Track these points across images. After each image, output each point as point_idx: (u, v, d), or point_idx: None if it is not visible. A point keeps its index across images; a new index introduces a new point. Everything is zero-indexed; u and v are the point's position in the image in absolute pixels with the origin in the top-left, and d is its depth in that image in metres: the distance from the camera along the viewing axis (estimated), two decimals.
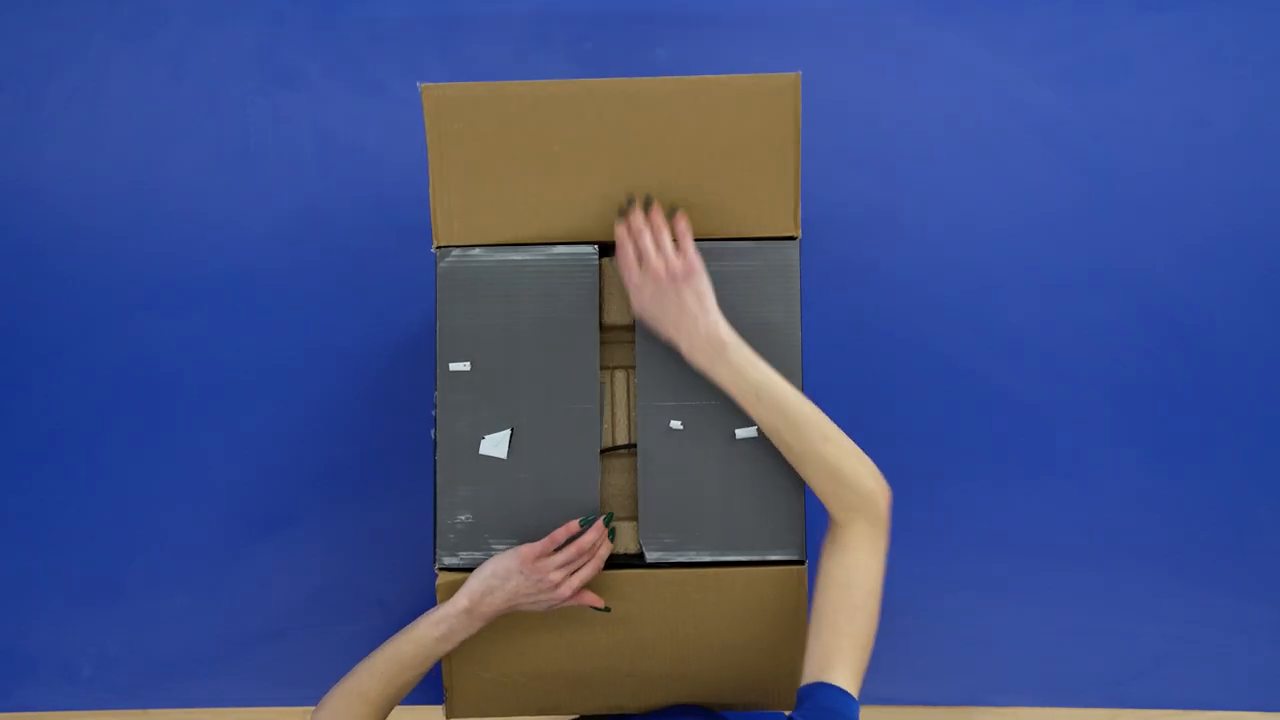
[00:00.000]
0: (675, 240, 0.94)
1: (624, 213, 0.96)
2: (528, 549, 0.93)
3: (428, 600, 0.99)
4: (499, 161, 0.99)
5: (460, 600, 0.92)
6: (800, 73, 0.97)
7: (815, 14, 1.24)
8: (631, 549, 1.02)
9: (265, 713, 1.23)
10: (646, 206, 0.96)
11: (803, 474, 0.93)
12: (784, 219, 1.00)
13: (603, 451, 1.02)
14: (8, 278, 1.25)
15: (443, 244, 1.01)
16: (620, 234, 0.96)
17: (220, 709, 1.23)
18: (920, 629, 1.21)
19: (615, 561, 1.02)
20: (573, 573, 0.93)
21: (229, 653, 1.23)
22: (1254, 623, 1.21)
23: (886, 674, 1.21)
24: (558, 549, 0.94)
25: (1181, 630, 1.21)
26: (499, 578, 0.92)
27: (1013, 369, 1.21)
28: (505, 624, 0.98)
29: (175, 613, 1.23)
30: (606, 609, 0.97)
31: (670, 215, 0.96)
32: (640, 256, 0.94)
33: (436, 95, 0.98)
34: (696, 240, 1.03)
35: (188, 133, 1.25)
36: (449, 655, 0.99)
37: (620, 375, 1.03)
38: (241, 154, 1.25)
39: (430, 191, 1.00)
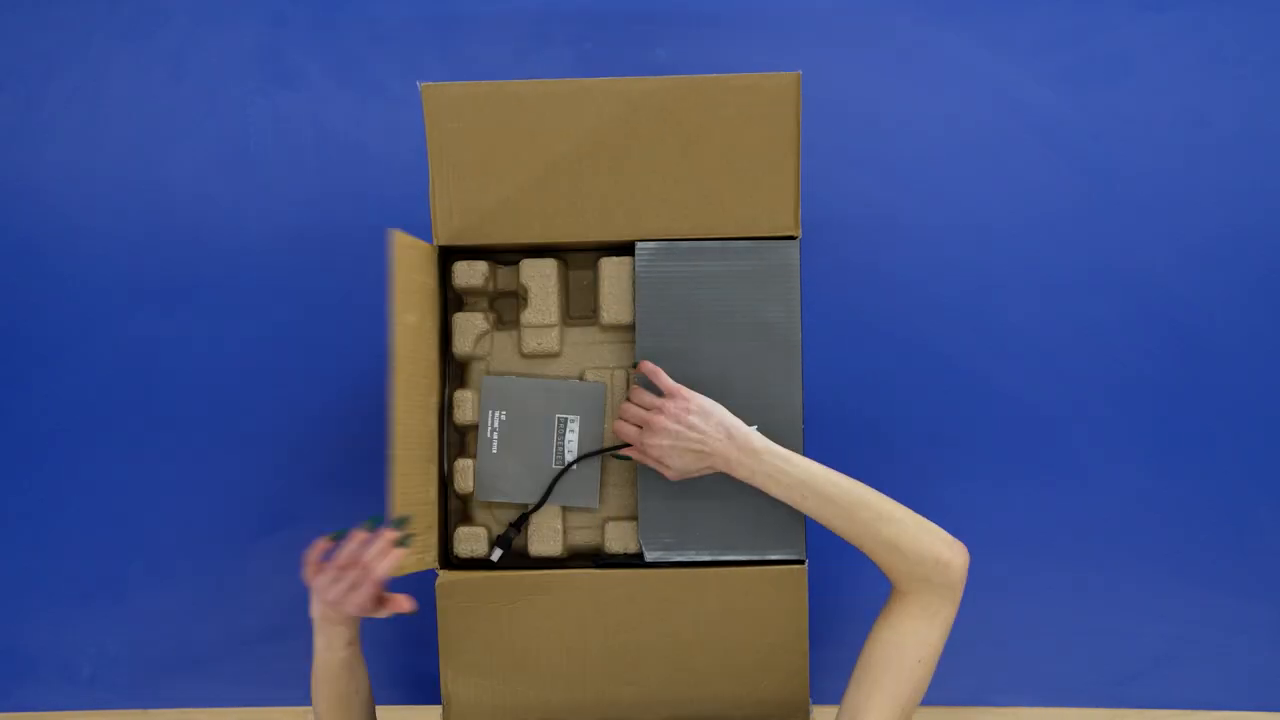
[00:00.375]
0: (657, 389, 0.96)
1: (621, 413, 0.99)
2: (309, 564, 0.88)
3: (427, 600, 0.99)
4: (499, 161, 0.99)
5: (312, 612, 0.91)
6: (800, 72, 0.97)
7: (815, 14, 1.24)
8: (631, 548, 1.02)
9: (265, 713, 1.23)
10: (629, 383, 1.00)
11: (864, 551, 0.91)
12: (784, 219, 1.00)
13: (604, 451, 1.02)
14: (8, 278, 1.25)
15: (443, 244, 1.01)
16: (618, 428, 0.98)
17: (220, 709, 1.23)
18: None
19: (616, 561, 1.02)
20: (351, 588, 0.86)
21: (229, 653, 1.23)
22: (1254, 623, 1.21)
23: None
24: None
25: (1181, 630, 1.21)
26: (315, 589, 0.89)
27: (1013, 369, 1.21)
28: (501, 628, 0.98)
29: (175, 613, 1.23)
30: (413, 612, 0.90)
31: (633, 367, 0.99)
32: (641, 425, 0.95)
33: (436, 95, 0.98)
34: (696, 240, 1.03)
35: (188, 133, 1.25)
36: (445, 663, 0.98)
37: (621, 375, 1.03)
38: (241, 154, 1.25)
39: (430, 191, 1.00)
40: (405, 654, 1.22)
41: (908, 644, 0.87)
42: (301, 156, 1.24)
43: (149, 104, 1.25)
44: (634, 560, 1.01)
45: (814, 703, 1.00)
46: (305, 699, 1.21)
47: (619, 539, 1.02)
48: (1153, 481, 1.21)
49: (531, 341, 1.03)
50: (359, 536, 0.88)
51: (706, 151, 0.98)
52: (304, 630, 1.17)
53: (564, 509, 1.03)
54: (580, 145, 0.99)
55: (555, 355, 1.05)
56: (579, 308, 1.07)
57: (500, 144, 0.99)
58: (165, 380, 1.23)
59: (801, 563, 0.99)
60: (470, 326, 1.04)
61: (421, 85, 0.98)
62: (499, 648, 0.99)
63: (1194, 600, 1.21)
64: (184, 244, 1.24)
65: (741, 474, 0.92)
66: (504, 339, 1.05)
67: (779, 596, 0.98)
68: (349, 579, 0.86)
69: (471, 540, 1.02)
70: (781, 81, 0.97)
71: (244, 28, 1.26)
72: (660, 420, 0.93)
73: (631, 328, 1.02)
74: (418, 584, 1.22)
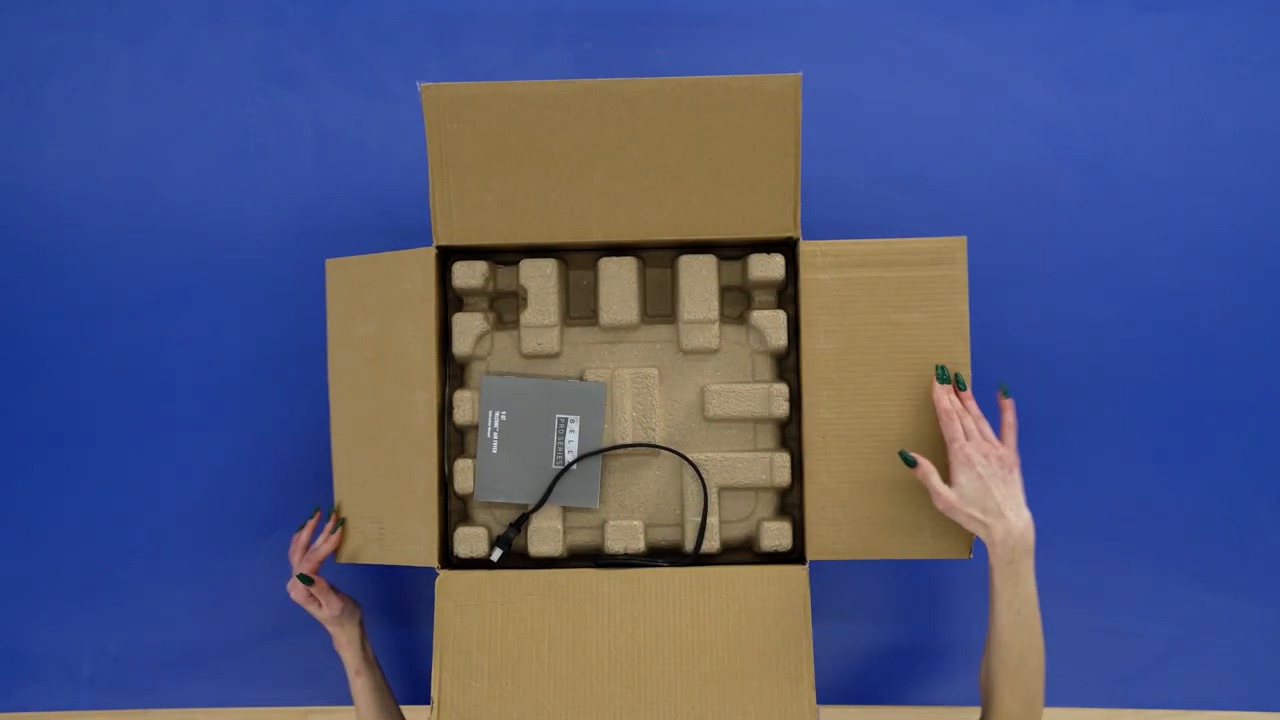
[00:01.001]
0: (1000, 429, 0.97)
1: (942, 379, 0.99)
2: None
3: (427, 598, 0.99)
4: (499, 161, 0.99)
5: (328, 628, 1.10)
6: (801, 74, 0.97)
7: (815, 14, 1.24)
8: (632, 548, 1.02)
9: (265, 713, 1.23)
10: (960, 385, 0.99)
11: (999, 687, 0.94)
12: (784, 219, 1.00)
13: (604, 451, 1.02)
14: (8, 278, 1.25)
15: (443, 244, 1.01)
16: (945, 405, 0.96)
17: (220, 709, 1.23)
18: (920, 628, 1.21)
19: (616, 562, 1.02)
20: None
21: (229, 653, 1.23)
22: (1254, 623, 1.21)
23: (887, 674, 1.21)
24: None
25: (1181, 630, 1.21)
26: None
27: (1013, 369, 1.21)
28: (496, 628, 0.98)
29: (175, 613, 1.23)
30: (309, 580, 1.05)
31: (998, 397, 0.99)
32: (967, 434, 0.95)
33: (436, 95, 0.98)
34: (698, 243, 1.03)
35: (188, 133, 1.25)
36: (436, 664, 0.98)
37: (625, 375, 1.03)
38: (241, 154, 1.25)
39: (430, 191, 1.00)
40: (405, 654, 1.22)
41: None
42: (301, 156, 1.24)
43: (149, 104, 1.25)
44: (634, 560, 1.01)
45: (819, 703, 1.00)
46: (306, 699, 1.22)
47: (619, 539, 1.02)
48: (1152, 481, 1.21)
49: (531, 342, 1.03)
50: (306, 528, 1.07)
51: (707, 152, 0.98)
52: (304, 630, 1.18)
53: (564, 509, 1.03)
54: (580, 146, 0.99)
55: (555, 355, 1.04)
56: (579, 308, 1.07)
57: (500, 145, 0.99)
58: (165, 380, 1.23)
59: (802, 563, 0.99)
60: (470, 327, 1.03)
61: (421, 86, 0.98)
62: (496, 647, 0.99)
63: (1194, 600, 1.21)
64: (184, 244, 1.24)
65: (1002, 554, 0.91)
66: (504, 339, 1.05)
67: (780, 596, 0.98)
68: (294, 568, 1.06)
69: (472, 540, 1.02)
70: (782, 83, 0.97)
71: (244, 28, 1.26)
72: (990, 453, 0.93)
73: (631, 328, 1.02)
74: (418, 583, 1.22)
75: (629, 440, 1.02)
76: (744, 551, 1.06)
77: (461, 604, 0.98)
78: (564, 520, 1.03)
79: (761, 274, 1.02)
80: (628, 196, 0.99)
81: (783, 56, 1.24)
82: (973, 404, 0.98)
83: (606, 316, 1.03)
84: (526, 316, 1.03)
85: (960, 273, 1.00)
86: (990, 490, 0.91)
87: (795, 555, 1.04)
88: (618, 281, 1.03)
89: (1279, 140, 1.22)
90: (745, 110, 0.98)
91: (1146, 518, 1.21)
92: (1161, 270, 1.22)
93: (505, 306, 1.07)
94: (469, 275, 1.03)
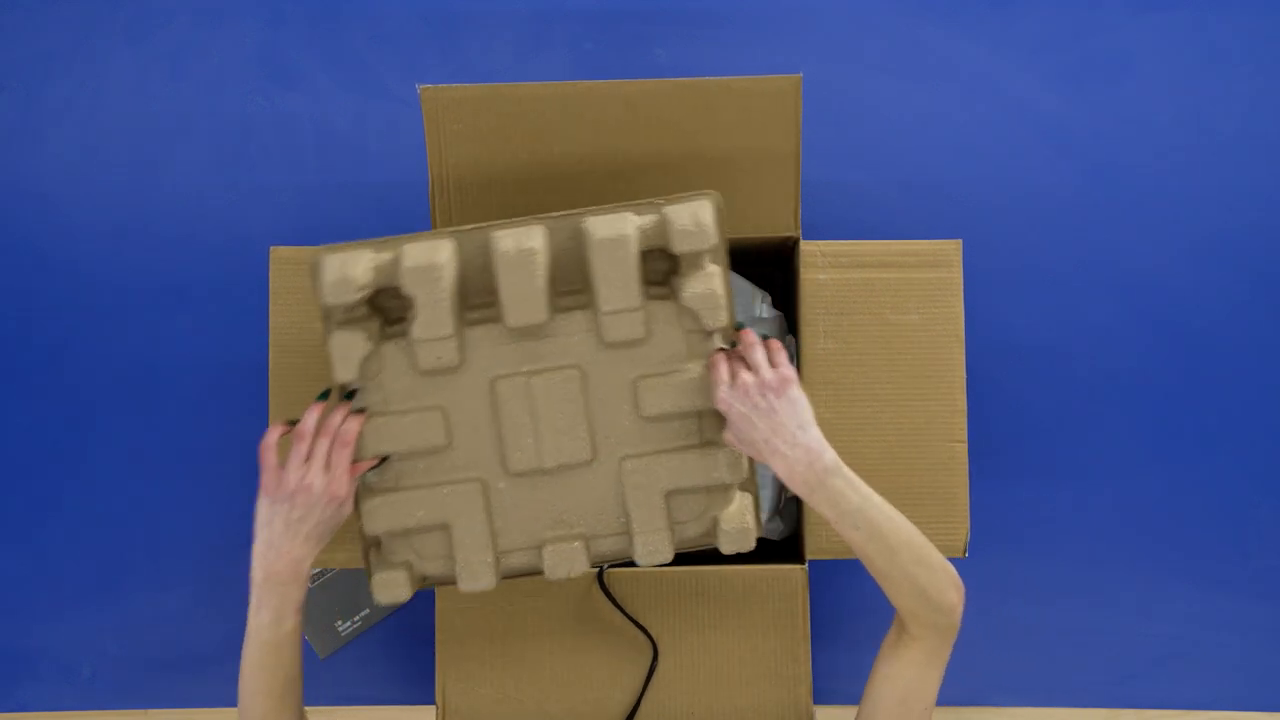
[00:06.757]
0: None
1: (724, 346, 0.89)
2: (263, 480, 0.82)
3: (427, 596, 0.99)
4: (499, 163, 0.99)
5: (255, 574, 0.82)
6: (801, 75, 0.97)
7: (815, 14, 1.24)
8: (576, 572, 0.92)
9: None
10: (739, 327, 0.88)
11: (885, 590, 0.85)
12: (784, 219, 1.00)
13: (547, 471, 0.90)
14: (8, 277, 1.25)
15: None
16: (714, 358, 0.87)
17: (220, 709, 1.23)
18: None
19: (616, 562, 1.02)
20: (326, 465, 0.82)
21: (229, 653, 1.22)
22: (1254, 623, 1.21)
23: None
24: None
25: (1181, 630, 1.21)
26: (265, 527, 0.82)
27: (1014, 369, 1.21)
28: (498, 631, 0.98)
29: (175, 613, 1.23)
30: (382, 459, 0.87)
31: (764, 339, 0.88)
32: (732, 375, 0.85)
33: (435, 96, 0.98)
34: None
35: (188, 133, 1.25)
36: (441, 670, 0.98)
37: (540, 384, 0.89)
38: (241, 154, 1.25)
39: (430, 193, 1.00)
40: (405, 654, 1.22)
41: (914, 694, 0.85)
42: (301, 156, 1.24)
43: (149, 104, 1.25)
44: (633, 560, 1.01)
45: (816, 703, 1.00)
46: (305, 698, 1.21)
47: (560, 565, 0.92)
48: (1152, 481, 1.21)
49: (428, 357, 0.87)
50: (315, 409, 0.84)
51: (707, 153, 0.98)
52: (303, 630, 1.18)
53: (493, 533, 0.91)
54: (580, 147, 0.98)
55: (456, 369, 0.88)
56: (479, 290, 0.89)
57: (500, 146, 0.99)
58: (165, 380, 1.23)
59: (803, 563, 0.99)
60: (351, 350, 0.86)
61: (420, 88, 0.98)
62: (498, 649, 0.99)
63: (1194, 600, 1.21)
64: (184, 244, 1.24)
65: (797, 486, 0.83)
66: (395, 352, 0.88)
67: (779, 597, 0.98)
68: (321, 454, 0.82)
69: (391, 587, 0.89)
70: (782, 84, 0.97)
71: (243, 27, 1.26)
72: (748, 384, 0.83)
73: (540, 328, 0.88)
74: None
75: (562, 454, 0.89)
76: (707, 546, 0.94)
77: (462, 605, 0.98)
78: (495, 547, 0.90)
79: (687, 245, 0.86)
80: (628, 197, 0.99)
81: (783, 56, 1.24)
82: (745, 338, 0.86)
83: (512, 318, 0.87)
84: (417, 330, 0.86)
85: (956, 275, 1.00)
86: (756, 427, 0.83)
87: (795, 555, 1.04)
88: (520, 272, 0.86)
89: (1279, 140, 1.22)
90: (745, 111, 0.98)
91: (1147, 518, 1.21)
92: (1161, 270, 1.22)
93: (389, 300, 0.89)
94: (341, 289, 0.84)
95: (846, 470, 0.83)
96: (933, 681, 0.86)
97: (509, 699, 0.98)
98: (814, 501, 0.84)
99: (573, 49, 1.24)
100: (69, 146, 1.25)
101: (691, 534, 0.91)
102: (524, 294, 0.86)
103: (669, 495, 0.90)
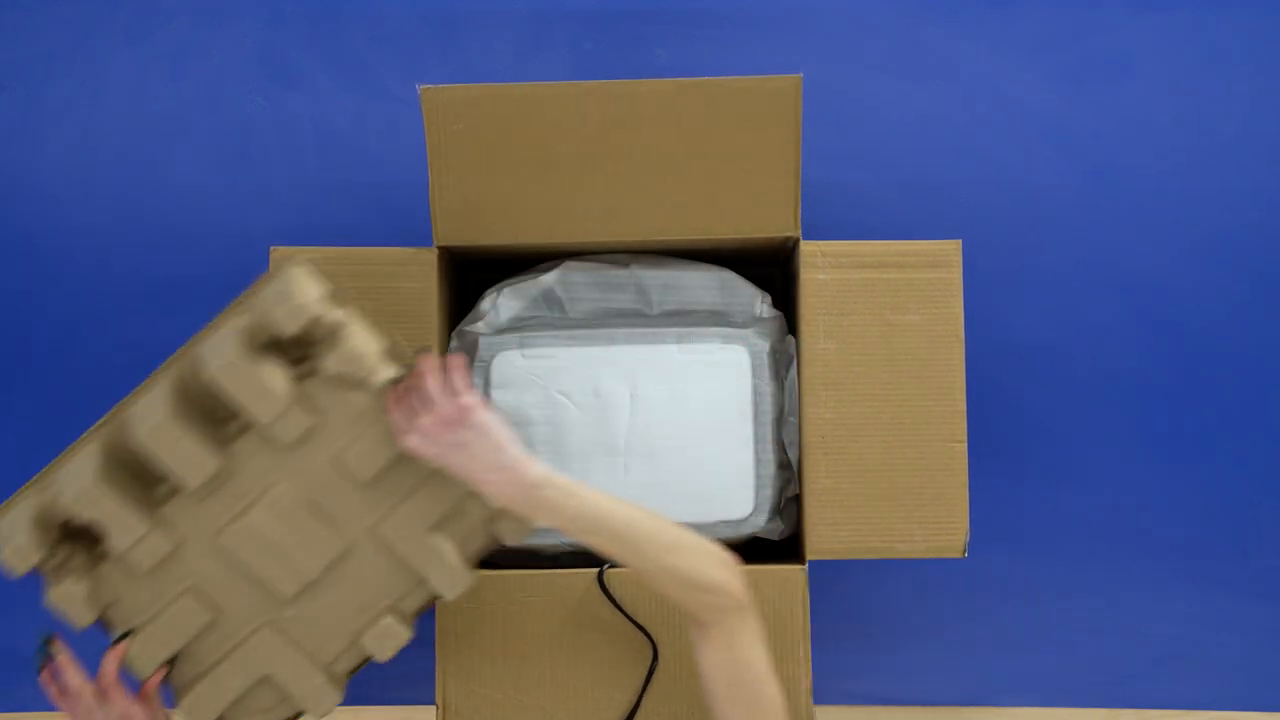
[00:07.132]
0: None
1: (396, 378, 0.85)
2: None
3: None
4: (499, 162, 0.99)
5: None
6: (801, 75, 0.97)
7: (815, 14, 1.24)
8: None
9: None
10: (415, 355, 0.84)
11: (653, 588, 0.85)
12: (784, 219, 1.00)
13: None
14: (8, 277, 1.25)
15: (443, 244, 1.01)
16: (388, 405, 0.85)
17: None
18: (920, 628, 1.21)
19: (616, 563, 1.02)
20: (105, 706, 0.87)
21: None
22: (1254, 623, 1.21)
23: (887, 673, 1.21)
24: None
25: (1181, 630, 1.21)
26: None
27: (1014, 369, 1.21)
28: (498, 631, 0.98)
29: None
30: (169, 662, 0.90)
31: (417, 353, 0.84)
32: (409, 416, 0.83)
33: (435, 97, 0.98)
34: (699, 243, 1.03)
35: (188, 133, 1.25)
36: (441, 670, 0.98)
37: (256, 514, 0.87)
38: (241, 154, 1.25)
39: (430, 193, 1.00)
40: (405, 654, 1.22)
41: (741, 676, 0.83)
42: (301, 156, 1.24)
43: (149, 104, 1.25)
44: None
45: (815, 703, 1.00)
46: None
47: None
48: (1152, 481, 1.21)
49: (143, 559, 0.88)
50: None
51: (706, 153, 0.98)
52: None
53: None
54: (580, 147, 0.99)
55: (176, 549, 0.88)
56: (151, 469, 0.87)
57: (500, 146, 0.99)
58: None
59: (802, 564, 0.99)
60: (73, 597, 0.90)
61: (420, 88, 0.98)
62: (498, 649, 0.99)
63: (1194, 600, 1.21)
64: (184, 244, 1.24)
65: (517, 507, 0.83)
66: (113, 570, 0.90)
67: (779, 597, 0.98)
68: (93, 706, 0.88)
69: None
70: (782, 84, 0.97)
71: (244, 28, 1.25)
72: (425, 423, 0.81)
73: (222, 471, 0.86)
74: None
75: (321, 558, 0.89)
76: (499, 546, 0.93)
77: (462, 606, 0.98)
78: (319, 665, 0.91)
79: (295, 324, 0.84)
80: (628, 197, 0.99)
81: (783, 56, 1.24)
82: (419, 367, 0.83)
83: (189, 481, 0.86)
84: (116, 543, 0.86)
85: (955, 276, 1.00)
86: (452, 461, 0.82)
87: (795, 555, 1.04)
88: (164, 440, 0.85)
89: (1279, 140, 1.22)
90: (745, 110, 0.98)
91: (1147, 518, 1.21)
92: (1161, 270, 1.22)
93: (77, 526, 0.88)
94: (21, 555, 0.87)
95: (559, 479, 0.81)
96: (752, 656, 0.83)
97: (509, 699, 0.98)
98: (538, 518, 0.83)
99: (573, 49, 1.24)
100: (69, 146, 1.25)
101: (480, 544, 0.91)
102: (182, 458, 0.85)
103: (435, 528, 0.89)
